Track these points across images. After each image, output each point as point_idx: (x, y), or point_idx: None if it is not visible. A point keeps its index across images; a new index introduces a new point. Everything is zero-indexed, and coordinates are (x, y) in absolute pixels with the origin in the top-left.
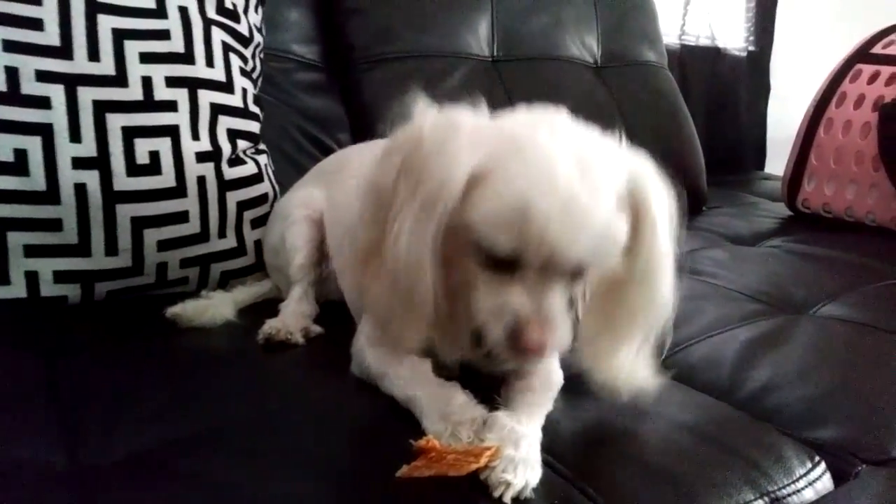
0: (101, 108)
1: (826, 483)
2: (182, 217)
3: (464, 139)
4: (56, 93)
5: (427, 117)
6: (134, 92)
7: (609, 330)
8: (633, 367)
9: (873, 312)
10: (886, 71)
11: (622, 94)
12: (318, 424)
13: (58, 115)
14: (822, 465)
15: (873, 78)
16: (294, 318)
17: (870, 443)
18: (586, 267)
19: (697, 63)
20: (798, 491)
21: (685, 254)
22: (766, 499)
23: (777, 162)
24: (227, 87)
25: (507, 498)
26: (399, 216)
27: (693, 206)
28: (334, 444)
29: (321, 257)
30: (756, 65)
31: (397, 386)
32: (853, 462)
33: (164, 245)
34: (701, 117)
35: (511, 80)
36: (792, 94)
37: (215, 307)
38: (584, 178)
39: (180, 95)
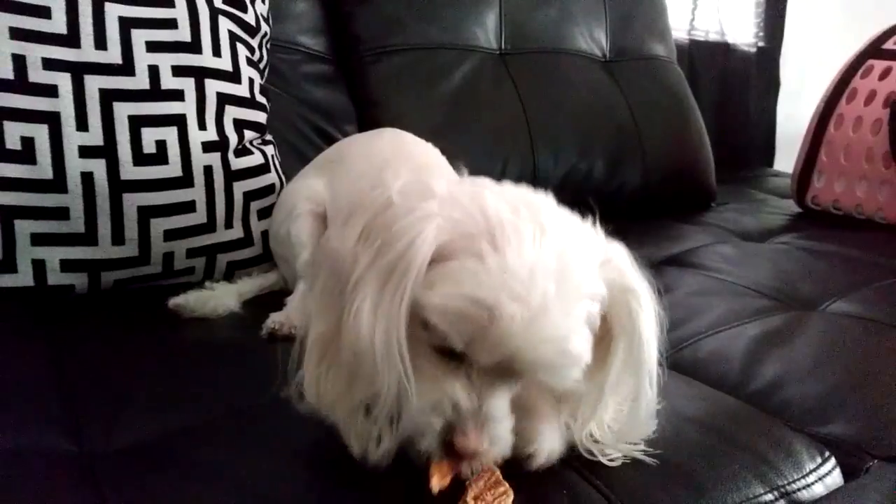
0: (108, 96)
1: (836, 478)
2: (189, 207)
3: (434, 207)
4: (63, 81)
5: (398, 182)
6: (141, 81)
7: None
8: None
9: (883, 309)
10: None
11: (631, 88)
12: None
13: (65, 104)
14: (833, 461)
15: (885, 74)
16: (298, 312)
17: (880, 438)
18: (541, 379)
19: (707, 58)
20: (808, 486)
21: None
22: (776, 493)
23: (786, 158)
24: (233, 76)
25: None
26: (357, 290)
27: (701, 202)
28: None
29: None
30: (766, 60)
31: None
32: (863, 457)
33: (170, 235)
34: (710, 113)
35: (519, 73)
36: (802, 90)
37: (218, 298)
38: (560, 289)
39: (187, 85)
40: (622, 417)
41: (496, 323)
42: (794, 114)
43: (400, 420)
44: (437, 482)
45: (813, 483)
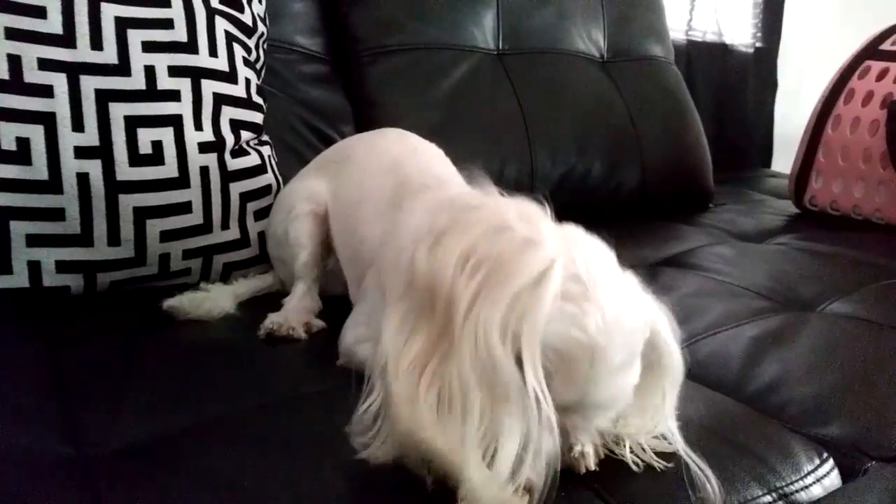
0: (104, 97)
1: (834, 479)
2: (185, 208)
3: (557, 243)
4: (58, 81)
5: (501, 203)
6: (136, 81)
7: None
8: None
9: (881, 310)
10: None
11: (628, 89)
12: (320, 416)
13: (60, 104)
14: (831, 462)
15: (882, 74)
16: (296, 313)
17: (878, 439)
18: (596, 413)
19: (704, 59)
20: (806, 487)
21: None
22: (774, 495)
23: (784, 159)
24: (230, 77)
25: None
26: (477, 316)
27: (699, 203)
28: (336, 435)
29: (325, 253)
30: (763, 61)
31: None
32: (861, 459)
33: (166, 236)
34: (707, 113)
35: (516, 73)
36: (799, 90)
37: (213, 300)
38: (634, 341)
39: (183, 85)
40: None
41: (596, 366)
42: (791, 114)
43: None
44: None
45: (811, 484)
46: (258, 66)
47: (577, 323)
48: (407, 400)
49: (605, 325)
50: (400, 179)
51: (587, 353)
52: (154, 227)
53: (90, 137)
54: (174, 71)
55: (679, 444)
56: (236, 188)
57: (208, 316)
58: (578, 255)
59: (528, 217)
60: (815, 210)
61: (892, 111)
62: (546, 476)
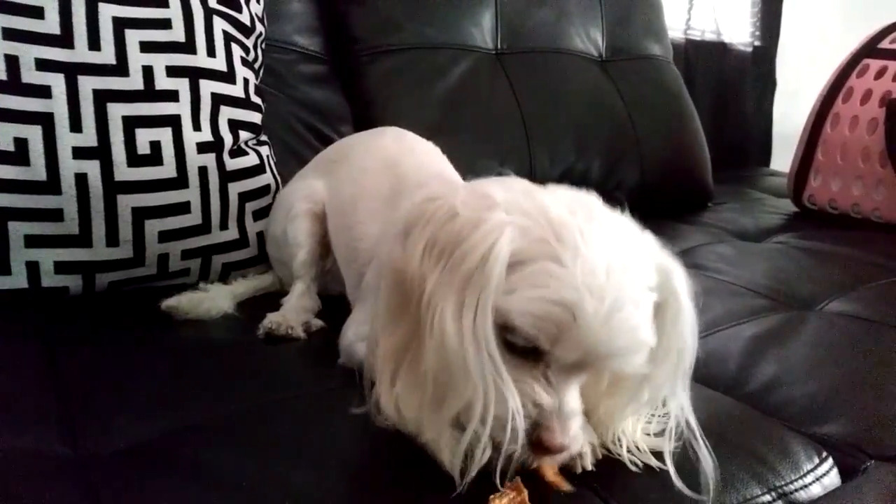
0: (102, 97)
1: (833, 478)
2: (183, 208)
3: (503, 216)
4: (56, 82)
5: (458, 191)
6: (135, 81)
7: (617, 399)
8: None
9: (880, 309)
10: (894, 66)
11: (627, 88)
12: (319, 415)
13: (58, 105)
14: (830, 461)
15: (881, 73)
16: (295, 312)
17: (877, 438)
18: (614, 367)
19: (703, 58)
20: (805, 486)
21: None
22: (773, 494)
23: (782, 158)
24: (228, 77)
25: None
26: (435, 304)
27: (698, 202)
28: (334, 434)
29: (324, 252)
30: (762, 60)
31: None
32: (861, 457)
33: (165, 236)
34: (706, 112)
35: (515, 73)
36: (798, 89)
37: (211, 300)
38: (629, 283)
39: (181, 85)
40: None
41: (580, 320)
42: (790, 113)
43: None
44: None
45: (810, 483)
46: (256, 65)
47: (540, 283)
48: (389, 398)
49: (578, 276)
50: (397, 178)
51: (564, 309)
52: (153, 227)
53: (88, 138)
54: (172, 71)
55: (692, 422)
56: (235, 188)
57: (207, 316)
58: (543, 216)
59: (481, 196)
60: (814, 209)
61: (891, 109)
62: (512, 432)
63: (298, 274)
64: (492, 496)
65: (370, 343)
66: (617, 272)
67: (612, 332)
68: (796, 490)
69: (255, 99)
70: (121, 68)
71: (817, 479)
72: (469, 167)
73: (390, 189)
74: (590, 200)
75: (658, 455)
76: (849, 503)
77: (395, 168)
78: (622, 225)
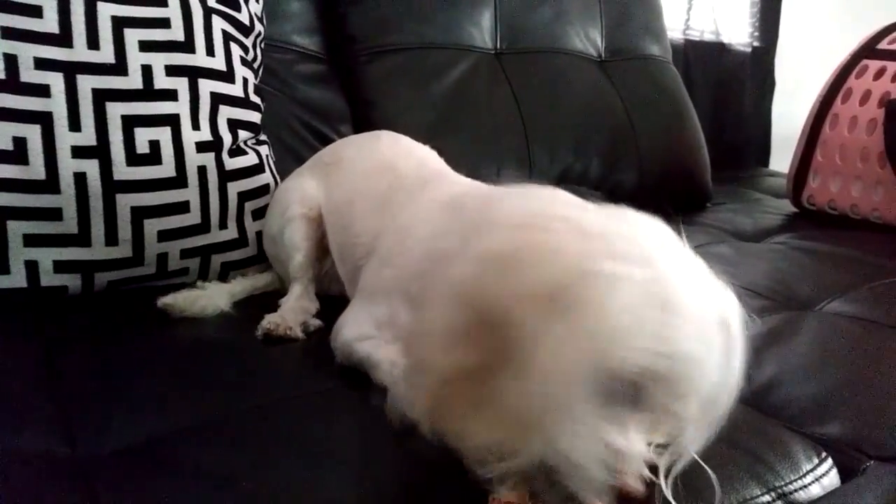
0: (101, 96)
1: (833, 479)
2: (182, 207)
3: (614, 267)
4: (55, 81)
5: (551, 222)
6: (134, 80)
7: None
8: None
9: (879, 309)
10: (893, 67)
11: (626, 88)
12: (317, 415)
13: (57, 104)
14: (829, 461)
15: (879, 74)
16: (293, 313)
17: (877, 438)
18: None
19: (702, 58)
20: (805, 486)
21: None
22: (773, 494)
23: (781, 159)
24: (227, 76)
25: None
26: (543, 350)
27: (697, 203)
28: (333, 433)
29: (321, 254)
30: (761, 60)
31: (396, 372)
32: (860, 458)
33: (164, 235)
34: (705, 113)
35: (514, 73)
36: (797, 89)
37: (208, 298)
38: (722, 328)
39: (180, 84)
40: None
41: (695, 372)
42: (789, 114)
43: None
44: None
45: (810, 484)
46: (256, 65)
47: (654, 333)
48: (446, 413)
49: (693, 326)
50: (396, 178)
51: (680, 361)
52: (152, 226)
53: (87, 137)
54: (171, 70)
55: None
56: (234, 188)
57: (202, 314)
58: (647, 261)
59: (582, 233)
60: (813, 209)
61: (890, 110)
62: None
63: (295, 276)
64: (492, 496)
65: (413, 355)
66: (718, 317)
67: (722, 382)
68: (795, 490)
69: (255, 98)
70: (120, 67)
71: (816, 480)
72: (468, 167)
73: (388, 187)
74: (664, 231)
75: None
76: (848, 503)
77: (392, 170)
78: (702, 268)
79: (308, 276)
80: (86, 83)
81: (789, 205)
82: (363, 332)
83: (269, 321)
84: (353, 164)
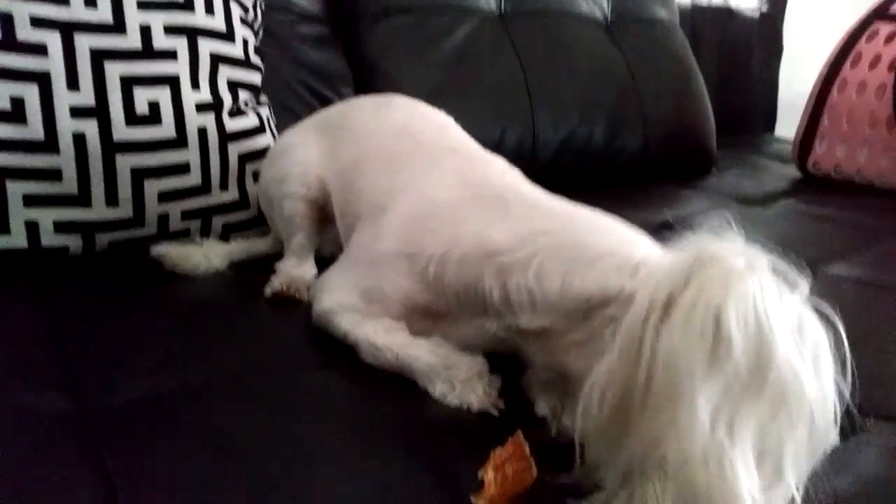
0: (99, 56)
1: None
2: (183, 168)
3: (787, 339)
4: (52, 39)
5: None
6: (132, 40)
7: None
8: None
9: (882, 272)
10: None
11: (632, 52)
12: (320, 372)
13: (55, 63)
14: None
15: (891, 37)
16: (299, 276)
17: (877, 398)
18: None
19: (709, 22)
20: None
21: None
22: None
23: (787, 125)
24: (227, 36)
25: None
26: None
27: (702, 167)
28: (337, 389)
29: (321, 226)
30: (768, 25)
31: (377, 353)
32: (860, 417)
33: (164, 196)
34: (711, 78)
35: (519, 36)
36: (804, 55)
37: (203, 255)
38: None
39: (179, 44)
40: None
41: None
42: (795, 79)
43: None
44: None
45: None
46: (255, 26)
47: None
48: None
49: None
50: (413, 143)
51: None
52: (152, 187)
53: (86, 97)
54: (170, 30)
55: None
56: (235, 149)
57: (195, 271)
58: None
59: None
60: (819, 174)
61: None
62: None
63: (295, 251)
64: (493, 450)
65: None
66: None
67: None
68: None
69: (255, 59)
70: (118, 26)
71: None
72: (471, 131)
73: (404, 150)
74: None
75: None
76: (848, 462)
77: (410, 135)
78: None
79: (309, 249)
80: (83, 42)
81: (795, 170)
82: (343, 302)
83: (279, 282)
84: (367, 127)
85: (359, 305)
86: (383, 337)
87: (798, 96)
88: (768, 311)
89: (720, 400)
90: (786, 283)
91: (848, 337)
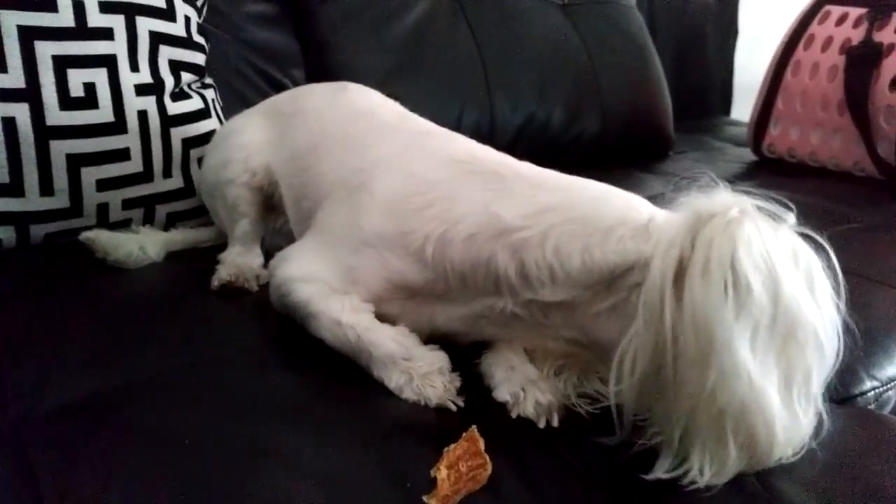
0: (29, 34)
1: None
2: (123, 154)
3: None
4: None
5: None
6: (64, 17)
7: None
8: None
9: (838, 256)
10: (854, 12)
11: (590, 34)
12: (263, 369)
13: None
14: None
15: (842, 20)
16: (246, 266)
17: (831, 381)
18: None
19: (666, 4)
20: None
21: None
22: None
23: (743, 107)
24: (167, 14)
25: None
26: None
27: (659, 151)
28: (290, 385)
29: (266, 213)
30: (725, 7)
31: (337, 330)
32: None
33: (103, 185)
34: (668, 60)
35: (474, 16)
36: (760, 37)
37: (137, 244)
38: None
39: (116, 22)
40: None
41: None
42: (751, 62)
43: None
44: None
45: None
46: (199, 3)
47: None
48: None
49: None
50: (376, 123)
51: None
52: (90, 175)
53: (15, 79)
54: (105, 7)
55: None
56: (178, 133)
57: (127, 262)
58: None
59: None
60: (773, 157)
61: (851, 57)
62: None
63: (240, 239)
64: (446, 448)
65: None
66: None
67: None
68: None
69: (198, 39)
70: (49, 3)
71: None
72: (428, 113)
73: (369, 129)
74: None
75: None
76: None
77: (370, 115)
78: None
79: (253, 238)
80: (10, 19)
81: (750, 154)
82: (312, 273)
83: (227, 272)
84: (321, 111)
85: (332, 281)
86: (349, 315)
87: (754, 79)
88: (769, 249)
89: (752, 339)
90: (774, 219)
91: None
